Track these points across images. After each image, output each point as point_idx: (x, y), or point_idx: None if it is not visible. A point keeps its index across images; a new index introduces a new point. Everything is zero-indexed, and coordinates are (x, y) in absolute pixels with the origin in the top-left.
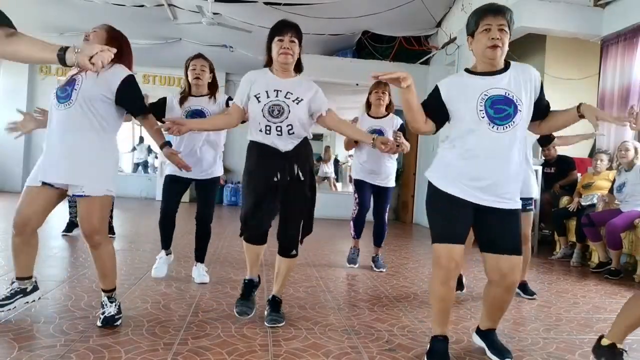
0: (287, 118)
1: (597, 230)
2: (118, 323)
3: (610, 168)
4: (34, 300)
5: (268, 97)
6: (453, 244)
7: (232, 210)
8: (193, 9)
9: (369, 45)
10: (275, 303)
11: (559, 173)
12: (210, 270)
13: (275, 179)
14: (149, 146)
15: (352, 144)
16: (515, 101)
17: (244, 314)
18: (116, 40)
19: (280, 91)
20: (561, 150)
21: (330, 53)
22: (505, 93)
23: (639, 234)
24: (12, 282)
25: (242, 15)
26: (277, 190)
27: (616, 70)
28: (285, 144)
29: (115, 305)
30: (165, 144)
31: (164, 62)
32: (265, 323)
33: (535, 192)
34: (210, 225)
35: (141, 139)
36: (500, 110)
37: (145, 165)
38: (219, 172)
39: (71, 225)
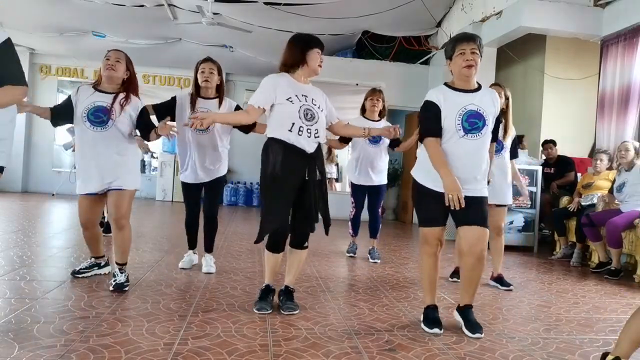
0: (316, 123)
1: (597, 230)
2: (126, 289)
3: (610, 168)
4: (105, 273)
5: (299, 100)
6: (435, 227)
7: (232, 210)
8: (193, 9)
9: (369, 45)
10: (288, 292)
11: (559, 173)
12: None
13: (307, 177)
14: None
15: (337, 143)
16: (484, 116)
17: (263, 309)
18: (131, 64)
19: (307, 96)
20: (562, 150)
21: (330, 53)
22: (477, 109)
23: (639, 234)
24: (90, 258)
25: (242, 15)
26: (302, 188)
27: (616, 70)
28: (311, 146)
29: (125, 275)
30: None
31: (164, 62)
32: (282, 311)
33: (509, 200)
34: (216, 218)
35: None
36: (472, 123)
37: (142, 165)
38: (223, 171)
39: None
